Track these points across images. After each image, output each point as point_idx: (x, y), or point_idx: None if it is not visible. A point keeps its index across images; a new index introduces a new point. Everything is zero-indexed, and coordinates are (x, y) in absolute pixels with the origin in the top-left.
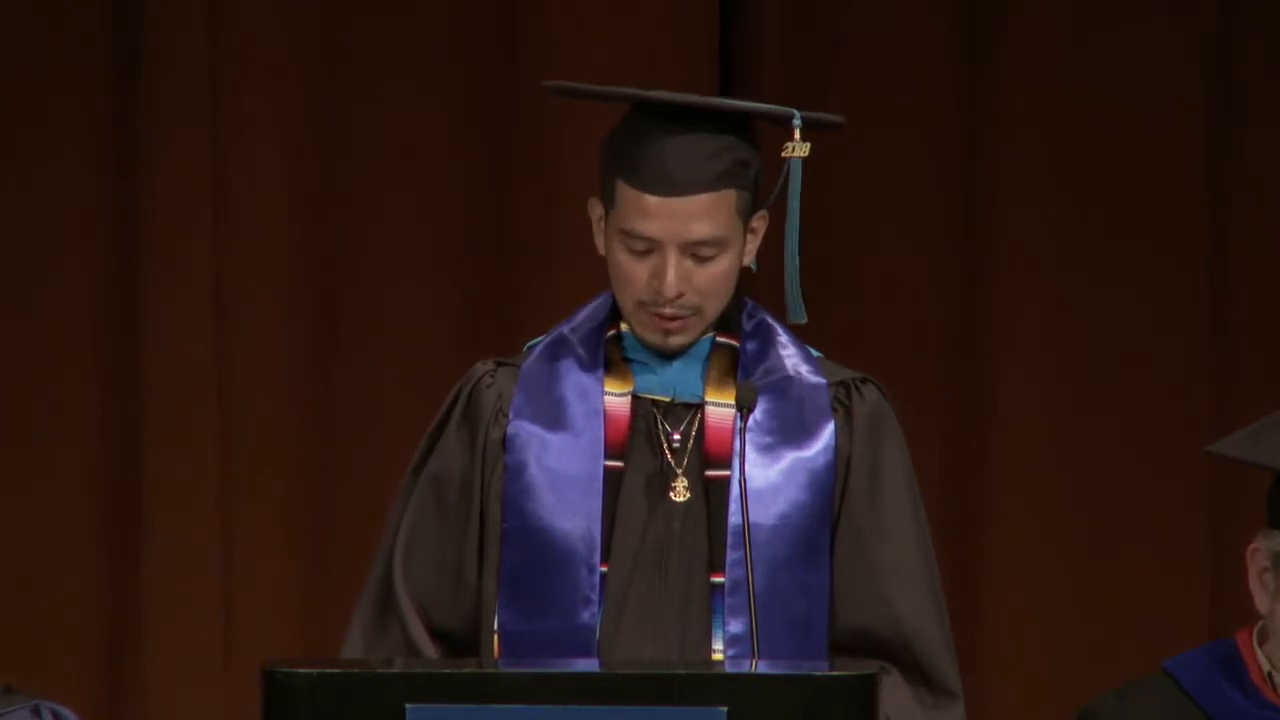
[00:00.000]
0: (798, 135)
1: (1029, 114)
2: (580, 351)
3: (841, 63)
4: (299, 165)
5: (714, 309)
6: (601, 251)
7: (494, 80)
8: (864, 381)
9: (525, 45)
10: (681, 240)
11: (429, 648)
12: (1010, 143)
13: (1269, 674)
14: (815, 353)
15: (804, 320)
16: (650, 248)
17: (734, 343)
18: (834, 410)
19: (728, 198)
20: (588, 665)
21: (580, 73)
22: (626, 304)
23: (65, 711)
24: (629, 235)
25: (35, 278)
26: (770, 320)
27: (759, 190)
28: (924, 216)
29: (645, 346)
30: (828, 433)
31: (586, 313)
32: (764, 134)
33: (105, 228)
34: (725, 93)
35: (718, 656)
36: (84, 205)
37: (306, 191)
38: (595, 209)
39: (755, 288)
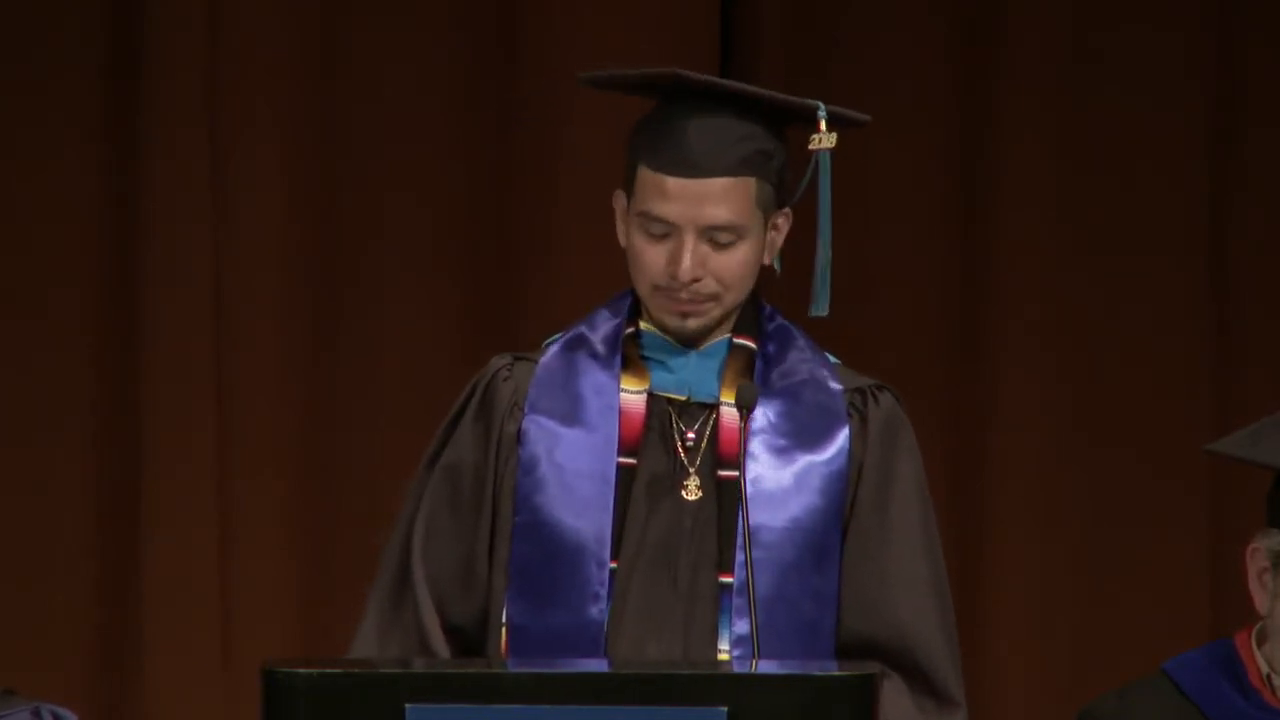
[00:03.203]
0: (823, 126)
1: (1029, 114)
2: (598, 348)
3: (841, 62)
4: (299, 165)
5: (732, 299)
6: (623, 243)
7: (494, 80)
8: (880, 389)
9: (525, 45)
10: (698, 224)
11: (439, 638)
12: (1010, 143)
13: (1268, 676)
14: (833, 359)
15: (825, 313)
16: (667, 231)
17: (751, 344)
18: (849, 416)
19: (747, 185)
20: (590, 664)
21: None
22: (643, 288)
23: (65, 713)
24: (647, 218)
25: (35, 278)
26: (789, 325)
27: (782, 186)
28: (924, 216)
29: (664, 333)
30: (842, 438)
31: (607, 310)
32: (791, 139)
33: (105, 228)
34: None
35: (724, 656)
36: (84, 205)
37: (306, 191)
38: (620, 200)
39: (772, 286)
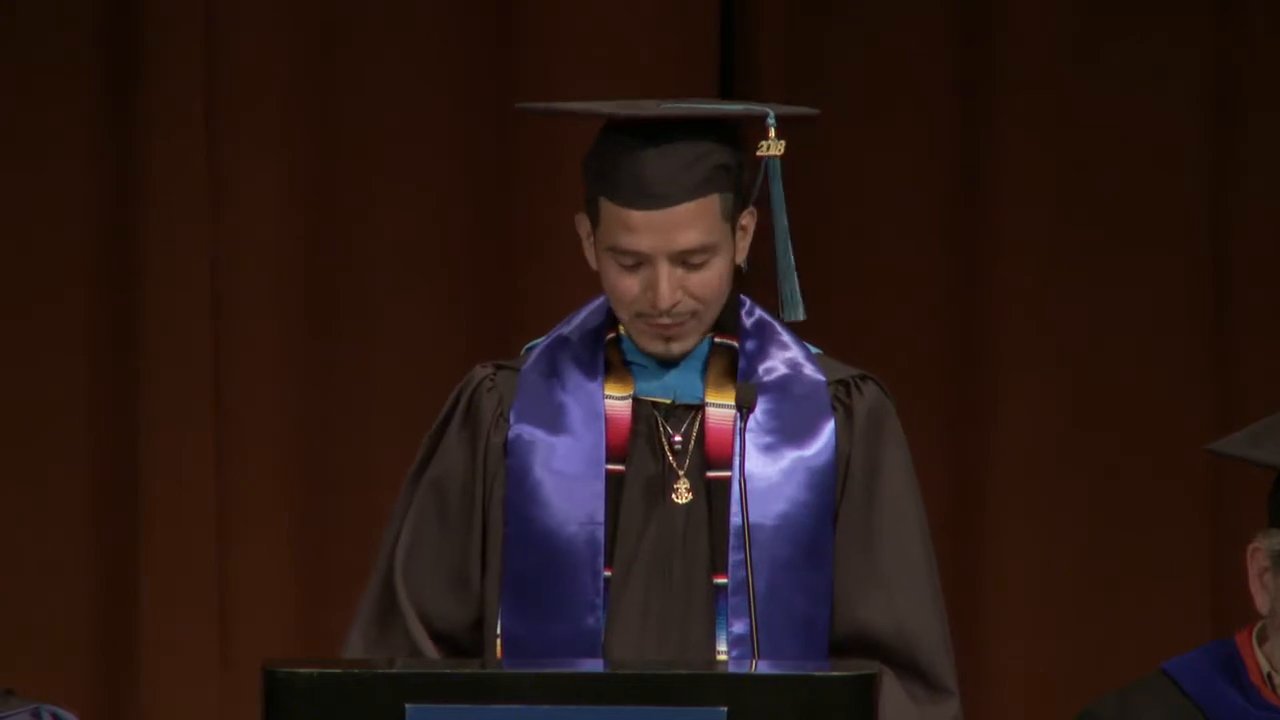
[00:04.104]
0: (772, 134)
1: (1029, 113)
2: (580, 355)
3: (841, 62)
4: (298, 165)
5: (711, 313)
6: (593, 266)
7: (495, 79)
8: (864, 379)
9: (526, 44)
10: (670, 251)
11: (431, 652)
12: (1010, 143)
13: (1268, 674)
14: (815, 349)
15: (802, 318)
16: (640, 261)
17: (733, 343)
18: (834, 408)
19: (711, 203)
20: (590, 664)
21: (581, 72)
22: (623, 316)
23: (65, 713)
24: (617, 251)
25: (34, 278)
26: (769, 318)
27: (743, 188)
28: (924, 216)
29: (648, 355)
30: (828, 431)
31: (585, 315)
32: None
33: (103, 228)
34: (725, 92)
35: (721, 657)
36: (82, 205)
37: (306, 192)
38: (583, 224)
39: (752, 285)
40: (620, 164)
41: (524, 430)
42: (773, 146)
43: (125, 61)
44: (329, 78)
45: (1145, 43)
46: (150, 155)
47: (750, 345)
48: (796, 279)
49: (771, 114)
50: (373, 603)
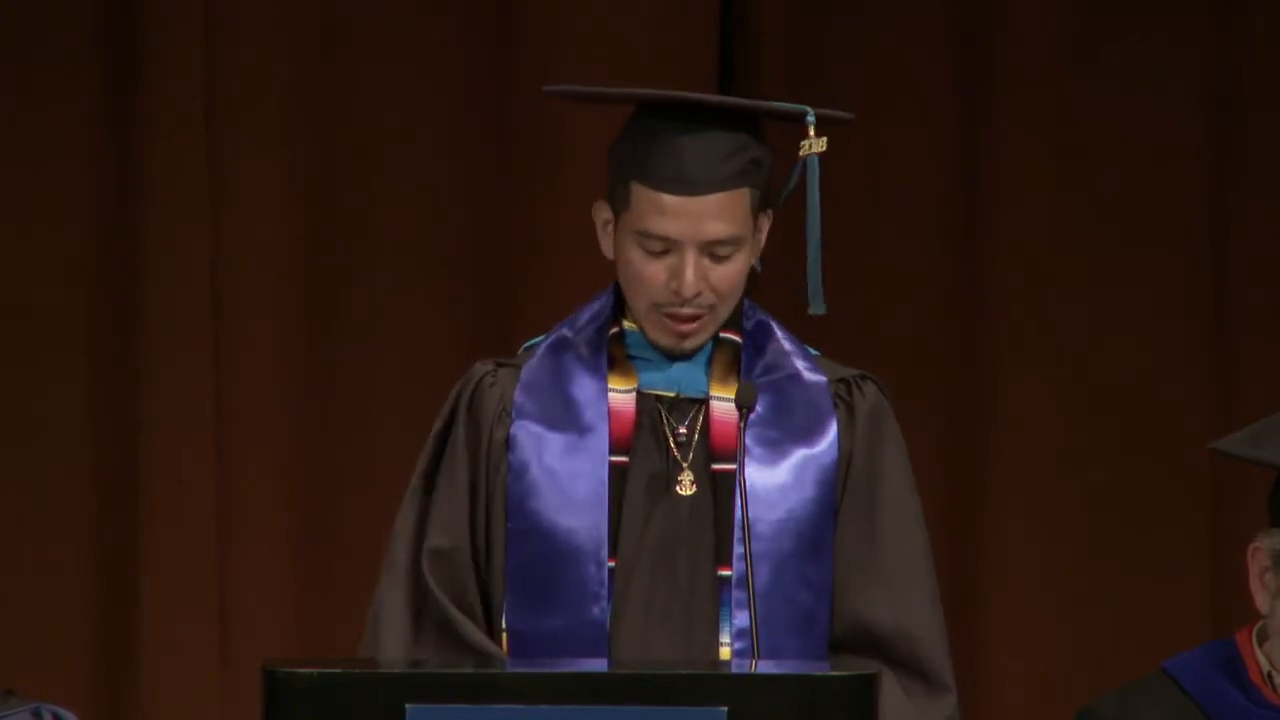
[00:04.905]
0: (812, 132)
1: (1029, 113)
2: (583, 350)
3: (841, 62)
4: (297, 165)
5: (727, 309)
6: (608, 255)
7: (495, 79)
8: (864, 379)
9: (526, 44)
10: (699, 239)
11: (489, 643)
12: (1010, 143)
13: (1269, 673)
14: (813, 351)
15: (824, 311)
16: (667, 248)
17: (736, 338)
18: (836, 406)
19: (743, 196)
20: (591, 664)
21: (581, 72)
22: (640, 307)
23: (65, 713)
24: (645, 236)
25: (34, 277)
26: (768, 320)
27: (769, 189)
28: (924, 216)
29: (657, 348)
30: (833, 430)
31: (588, 312)
32: (770, 133)
33: (103, 228)
34: (725, 92)
35: (725, 649)
36: (82, 205)
37: (306, 192)
38: (602, 212)
39: (758, 286)
40: (657, 148)
41: (526, 425)
42: (814, 144)
43: (125, 61)
44: (329, 78)
45: (1145, 43)
46: (150, 155)
47: (751, 345)
48: (822, 276)
49: (811, 112)
50: (403, 598)
